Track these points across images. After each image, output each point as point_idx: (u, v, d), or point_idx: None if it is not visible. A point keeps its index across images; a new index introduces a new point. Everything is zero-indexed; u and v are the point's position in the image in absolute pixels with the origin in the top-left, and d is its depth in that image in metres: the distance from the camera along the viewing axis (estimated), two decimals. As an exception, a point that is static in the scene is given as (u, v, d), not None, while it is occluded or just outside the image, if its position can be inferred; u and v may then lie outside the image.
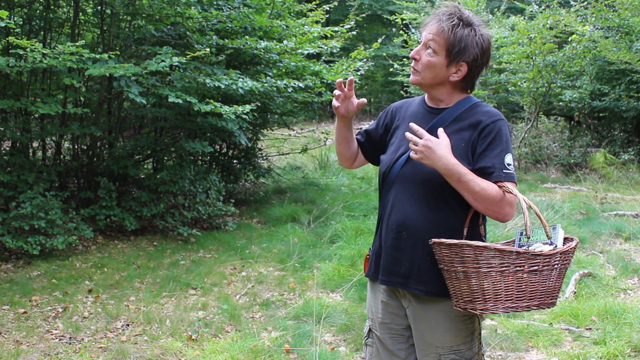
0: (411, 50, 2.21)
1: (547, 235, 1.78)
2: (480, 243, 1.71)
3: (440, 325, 1.94)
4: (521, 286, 1.69)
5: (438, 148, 1.80)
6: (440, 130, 1.85)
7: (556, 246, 1.77)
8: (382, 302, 2.08)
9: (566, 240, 1.83)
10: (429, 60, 1.91)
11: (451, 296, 1.84)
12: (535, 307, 1.72)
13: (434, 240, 1.81)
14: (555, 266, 1.72)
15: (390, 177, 2.01)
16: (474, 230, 1.95)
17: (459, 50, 1.88)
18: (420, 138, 1.83)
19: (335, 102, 2.03)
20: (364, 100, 2.01)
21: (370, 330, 2.15)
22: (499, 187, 1.83)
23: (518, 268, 1.68)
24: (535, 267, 1.69)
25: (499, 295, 1.70)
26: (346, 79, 2.00)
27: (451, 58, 1.89)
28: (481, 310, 1.73)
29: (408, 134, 1.87)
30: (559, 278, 1.74)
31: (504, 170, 1.84)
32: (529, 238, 1.78)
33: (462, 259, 1.72)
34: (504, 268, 1.68)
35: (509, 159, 1.87)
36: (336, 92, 2.01)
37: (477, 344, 1.98)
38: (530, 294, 1.70)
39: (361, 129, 2.27)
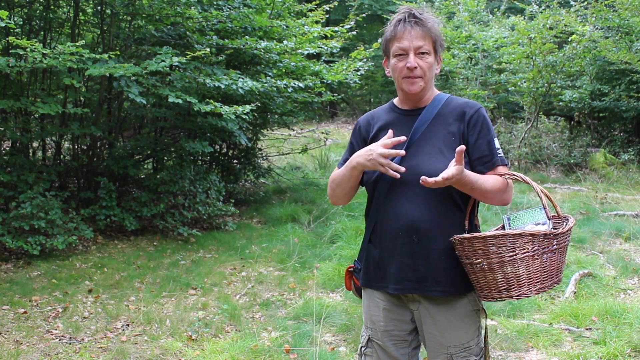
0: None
1: (558, 214, 1.92)
2: (517, 230, 1.80)
3: (451, 324, 1.96)
4: (545, 266, 1.80)
5: (461, 175, 1.78)
6: (461, 149, 1.74)
7: (551, 226, 1.87)
8: (384, 309, 2.05)
9: (555, 218, 1.95)
10: (428, 63, 1.94)
11: (479, 289, 1.88)
12: (555, 284, 1.85)
13: (461, 236, 1.84)
14: (567, 243, 1.85)
15: (383, 185, 1.98)
16: (472, 221, 2.00)
17: (439, 44, 1.97)
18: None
19: (387, 162, 1.85)
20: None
21: (369, 339, 2.10)
22: (500, 174, 1.93)
23: (545, 249, 1.78)
24: (556, 246, 1.80)
25: (531, 278, 1.79)
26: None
27: (437, 54, 1.98)
28: (517, 296, 1.80)
29: (425, 179, 1.76)
30: (565, 254, 1.89)
31: (498, 155, 1.96)
32: (550, 219, 1.87)
33: (498, 249, 1.78)
34: (535, 251, 1.78)
35: (497, 143, 1.99)
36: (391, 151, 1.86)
37: (482, 339, 2.02)
38: (551, 272, 1.82)
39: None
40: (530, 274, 1.78)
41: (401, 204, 1.93)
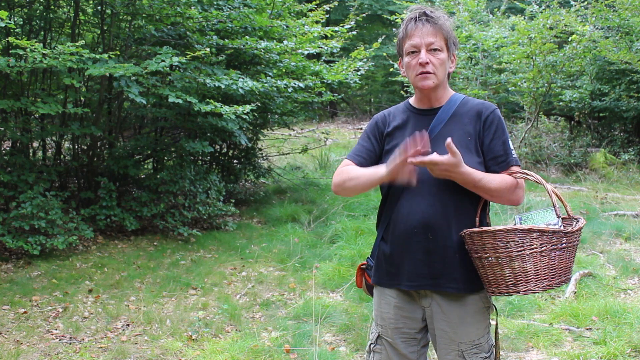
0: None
1: (568, 214, 1.95)
2: (526, 226, 1.81)
3: (463, 320, 1.97)
4: (553, 263, 1.82)
5: (455, 167, 1.81)
6: (449, 142, 1.77)
7: (561, 225, 1.88)
8: (395, 307, 2.06)
9: (566, 219, 1.96)
10: (440, 59, 1.95)
11: (487, 284, 1.89)
12: (563, 282, 1.85)
13: (471, 230, 1.85)
14: (576, 242, 1.87)
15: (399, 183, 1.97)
16: (483, 220, 2.01)
17: (452, 41, 1.98)
18: (440, 162, 1.79)
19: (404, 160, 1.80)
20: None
21: (379, 336, 2.11)
22: (511, 174, 1.94)
23: (554, 246, 1.80)
24: (565, 245, 1.81)
25: (539, 274, 1.81)
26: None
27: (450, 51, 1.99)
28: (524, 291, 1.82)
29: (419, 159, 1.77)
30: (575, 254, 1.91)
31: (512, 156, 1.99)
32: (563, 218, 1.90)
33: (506, 243, 1.80)
34: (543, 248, 1.79)
35: (511, 144, 2.02)
36: (411, 158, 1.80)
37: (491, 337, 2.04)
38: (560, 270, 1.83)
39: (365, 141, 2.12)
40: (538, 270, 1.80)
41: (417, 201, 1.94)
